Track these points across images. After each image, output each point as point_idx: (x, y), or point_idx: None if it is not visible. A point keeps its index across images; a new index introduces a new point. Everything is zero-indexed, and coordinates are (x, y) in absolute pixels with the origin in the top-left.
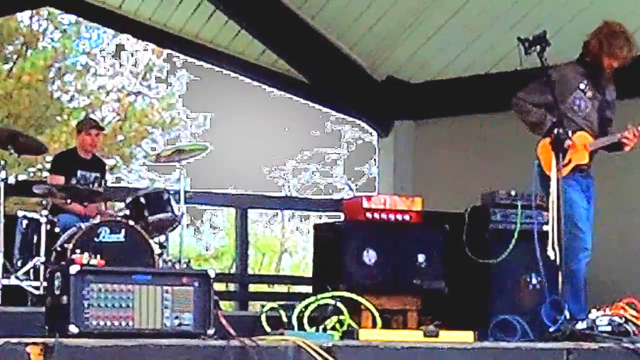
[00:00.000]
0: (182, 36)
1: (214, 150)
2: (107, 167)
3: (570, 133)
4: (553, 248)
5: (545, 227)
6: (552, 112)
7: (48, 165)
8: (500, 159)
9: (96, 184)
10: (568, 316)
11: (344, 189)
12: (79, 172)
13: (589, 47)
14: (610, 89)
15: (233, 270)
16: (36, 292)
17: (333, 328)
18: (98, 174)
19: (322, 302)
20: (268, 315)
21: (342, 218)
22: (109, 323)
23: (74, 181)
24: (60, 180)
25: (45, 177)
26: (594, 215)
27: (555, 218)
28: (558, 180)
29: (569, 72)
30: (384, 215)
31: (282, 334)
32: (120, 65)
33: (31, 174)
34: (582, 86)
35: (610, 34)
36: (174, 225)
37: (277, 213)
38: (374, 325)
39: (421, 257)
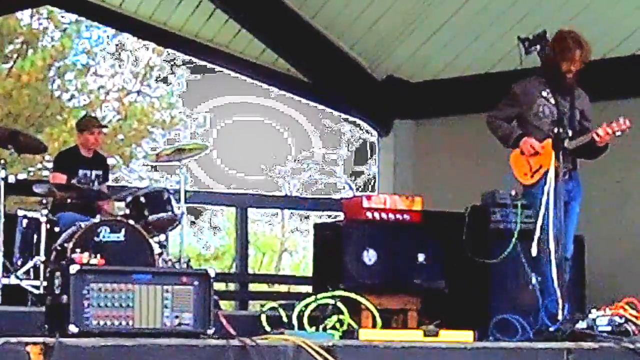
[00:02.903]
0: (183, 35)
1: (214, 150)
2: (109, 166)
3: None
4: (538, 246)
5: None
6: (521, 124)
7: (48, 165)
8: (501, 159)
9: (97, 182)
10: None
11: (344, 188)
12: (80, 171)
13: (546, 57)
14: (580, 96)
15: (233, 270)
16: (36, 291)
17: (333, 328)
18: (100, 172)
19: (322, 301)
20: (268, 315)
21: (342, 218)
22: (109, 322)
23: (75, 180)
24: (63, 178)
25: (46, 176)
26: (593, 216)
27: (544, 217)
28: (556, 180)
29: (530, 83)
30: (384, 215)
31: (282, 333)
32: (120, 64)
33: (31, 173)
34: (544, 94)
35: (561, 40)
36: (174, 225)
37: (277, 213)
38: (374, 325)
39: (421, 257)
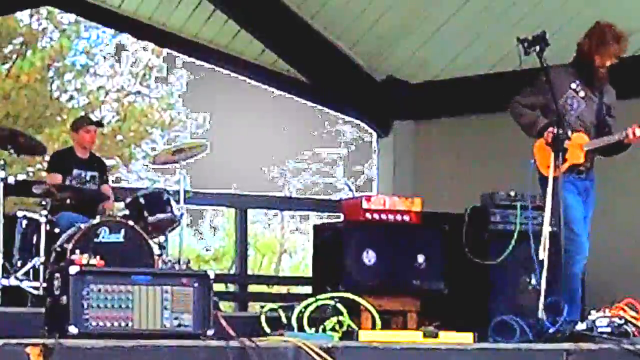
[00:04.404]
0: (182, 36)
1: (214, 150)
2: (107, 167)
3: (569, 133)
4: (544, 249)
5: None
6: (546, 114)
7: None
8: (500, 160)
9: (92, 183)
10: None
11: (343, 189)
12: (74, 171)
13: (582, 48)
14: (608, 91)
15: (233, 271)
16: (36, 292)
17: (333, 329)
18: (95, 173)
19: (321, 303)
20: (267, 316)
21: (342, 219)
22: (108, 324)
23: (69, 179)
24: (57, 178)
25: (44, 177)
26: (593, 216)
27: (549, 218)
28: (555, 180)
29: (560, 73)
30: (383, 216)
31: (281, 334)
32: (120, 65)
33: (30, 174)
34: (573, 86)
35: (600, 33)
36: (174, 226)
37: (276, 214)
38: (374, 326)
39: (421, 258)
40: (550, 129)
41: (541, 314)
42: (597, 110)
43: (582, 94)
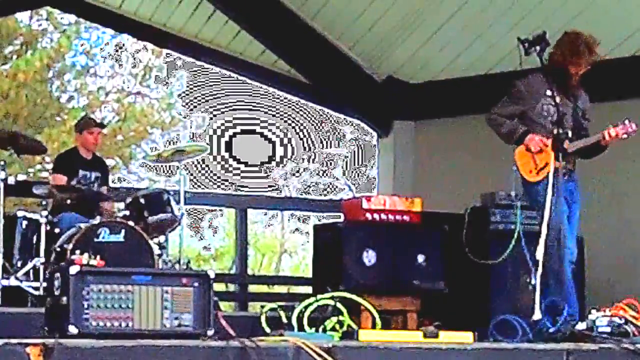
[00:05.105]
0: (182, 36)
1: (214, 150)
2: (109, 167)
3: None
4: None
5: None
6: (524, 122)
7: (47, 166)
8: (500, 160)
9: (97, 184)
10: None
11: (344, 189)
12: (80, 172)
13: (554, 58)
14: (582, 96)
15: (233, 271)
16: (36, 292)
17: (333, 329)
18: (99, 174)
19: (321, 302)
20: (268, 316)
21: (342, 219)
22: (108, 324)
23: (75, 181)
24: (63, 179)
25: (45, 178)
26: (593, 216)
27: (548, 219)
28: (554, 180)
29: (535, 80)
30: (383, 216)
31: (281, 334)
32: (120, 65)
33: (30, 174)
34: (548, 92)
35: (571, 43)
36: (174, 226)
37: (276, 214)
38: (374, 326)
39: (421, 258)
40: (530, 135)
41: (537, 313)
42: (572, 115)
43: (557, 99)
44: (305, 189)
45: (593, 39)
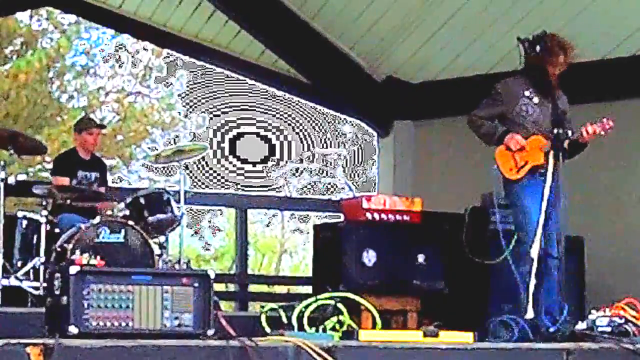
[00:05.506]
0: (182, 36)
1: (214, 150)
2: (107, 168)
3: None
4: (532, 247)
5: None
6: (504, 123)
7: (47, 166)
8: None
9: (96, 184)
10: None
11: (344, 189)
12: (79, 173)
13: (531, 60)
14: (561, 97)
15: (233, 271)
16: (36, 292)
17: (333, 329)
18: (98, 174)
19: (321, 302)
20: (268, 316)
21: (342, 218)
22: (108, 323)
23: (75, 182)
24: (65, 180)
25: (45, 177)
26: (593, 216)
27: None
28: (553, 180)
29: (514, 82)
30: (383, 216)
31: (281, 334)
32: (120, 65)
33: (30, 174)
34: (527, 93)
35: (545, 45)
36: (174, 226)
37: (276, 214)
38: (374, 326)
39: (421, 258)
40: (510, 134)
41: (530, 312)
42: (551, 115)
43: (535, 100)
44: (305, 188)
45: (567, 42)
